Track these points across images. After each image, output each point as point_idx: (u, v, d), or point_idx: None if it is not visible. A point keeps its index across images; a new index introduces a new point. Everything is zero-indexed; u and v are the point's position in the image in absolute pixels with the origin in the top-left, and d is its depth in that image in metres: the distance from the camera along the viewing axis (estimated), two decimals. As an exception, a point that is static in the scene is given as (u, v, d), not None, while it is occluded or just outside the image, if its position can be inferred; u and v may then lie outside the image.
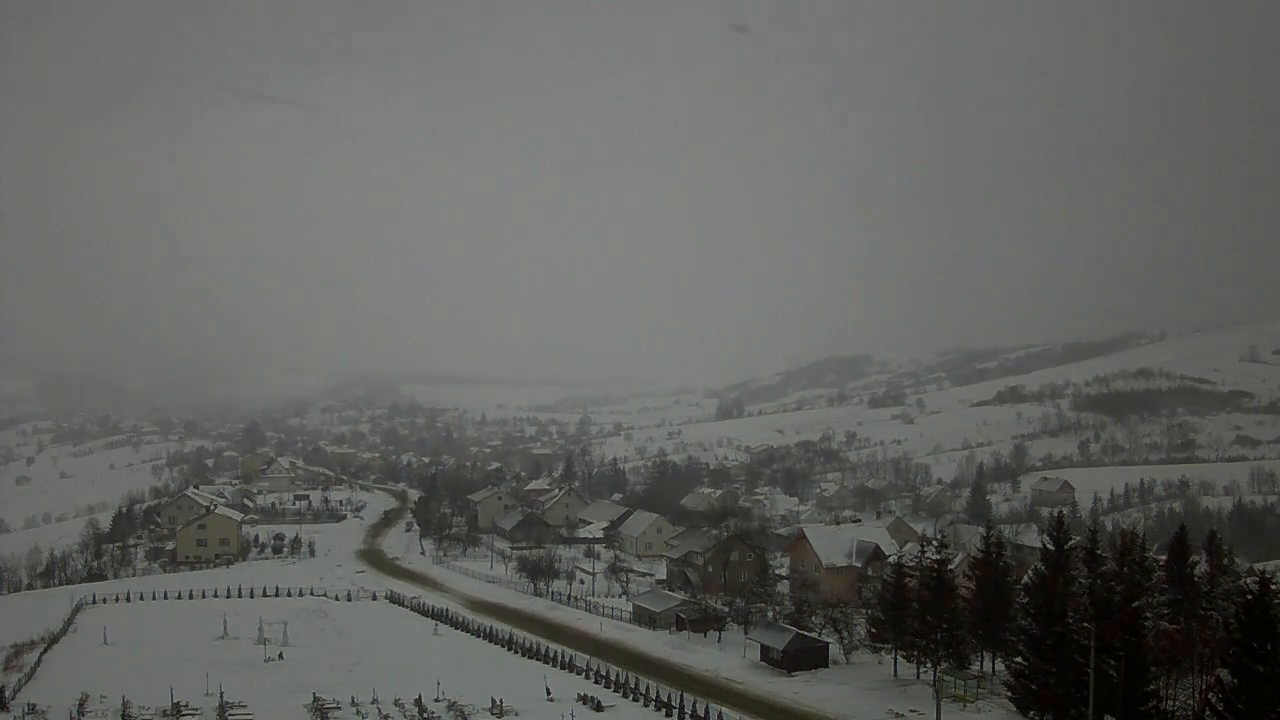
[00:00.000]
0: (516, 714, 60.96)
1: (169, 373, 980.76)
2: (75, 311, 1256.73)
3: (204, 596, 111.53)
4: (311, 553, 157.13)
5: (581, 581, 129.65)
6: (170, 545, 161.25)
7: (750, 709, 62.93)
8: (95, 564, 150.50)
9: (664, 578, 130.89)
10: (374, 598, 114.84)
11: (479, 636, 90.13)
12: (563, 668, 74.90)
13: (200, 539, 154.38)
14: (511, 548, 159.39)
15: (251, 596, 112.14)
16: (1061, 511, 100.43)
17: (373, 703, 62.46)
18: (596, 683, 69.61)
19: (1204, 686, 54.46)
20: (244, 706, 61.17)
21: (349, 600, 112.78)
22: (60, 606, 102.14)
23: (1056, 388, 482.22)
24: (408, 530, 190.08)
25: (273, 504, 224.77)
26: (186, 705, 60.66)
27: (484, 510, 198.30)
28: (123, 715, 58.50)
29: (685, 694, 63.14)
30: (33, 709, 58.53)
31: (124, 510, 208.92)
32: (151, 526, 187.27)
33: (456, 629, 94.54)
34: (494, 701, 62.12)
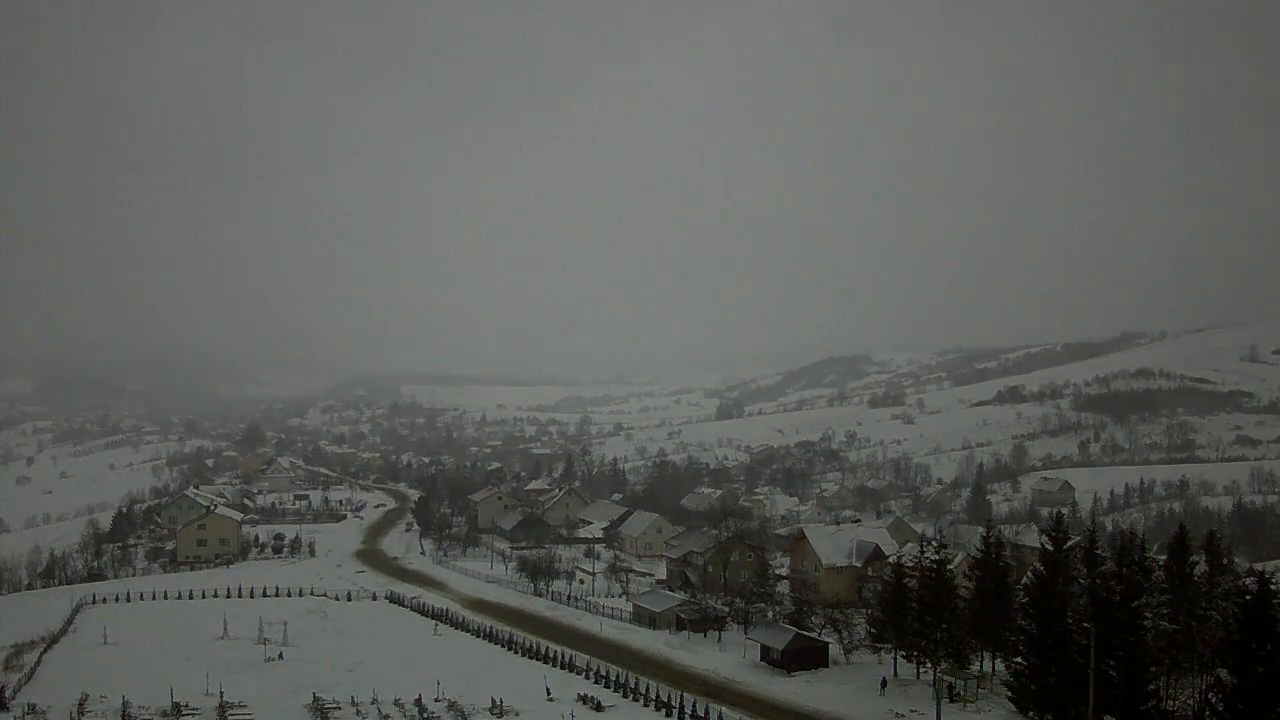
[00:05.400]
0: (516, 714, 60.93)
1: (169, 373, 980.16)
2: (75, 312, 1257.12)
3: (204, 596, 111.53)
4: (311, 553, 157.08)
5: (581, 581, 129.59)
6: (170, 545, 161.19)
7: (750, 709, 62.92)
8: (95, 564, 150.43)
9: (664, 578, 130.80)
10: (374, 598, 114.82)
11: (479, 636, 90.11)
12: (563, 668, 74.87)
13: (200, 539, 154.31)
14: (511, 548, 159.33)
15: (251, 596, 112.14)
16: (1061, 511, 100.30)
17: (373, 703, 62.45)
18: (596, 683, 69.58)
19: (1204, 686, 54.48)
20: (244, 706, 61.14)
21: (349, 600, 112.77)
22: (60, 606, 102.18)
23: (1056, 388, 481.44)
24: (408, 530, 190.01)
25: (273, 504, 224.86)
26: (186, 705, 60.62)
27: (484, 510, 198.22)
28: (123, 715, 58.45)
29: (685, 694, 63.14)
30: (33, 709, 58.49)
31: (124, 510, 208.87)
32: (151, 526, 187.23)
33: (456, 629, 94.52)
34: (494, 701, 62.10)
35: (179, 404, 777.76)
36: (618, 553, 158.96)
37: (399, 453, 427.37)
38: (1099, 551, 64.75)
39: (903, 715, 61.92)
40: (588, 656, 77.61)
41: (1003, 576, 71.32)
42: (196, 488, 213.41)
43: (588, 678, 71.27)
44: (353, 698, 63.13)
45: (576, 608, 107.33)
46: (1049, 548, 59.80)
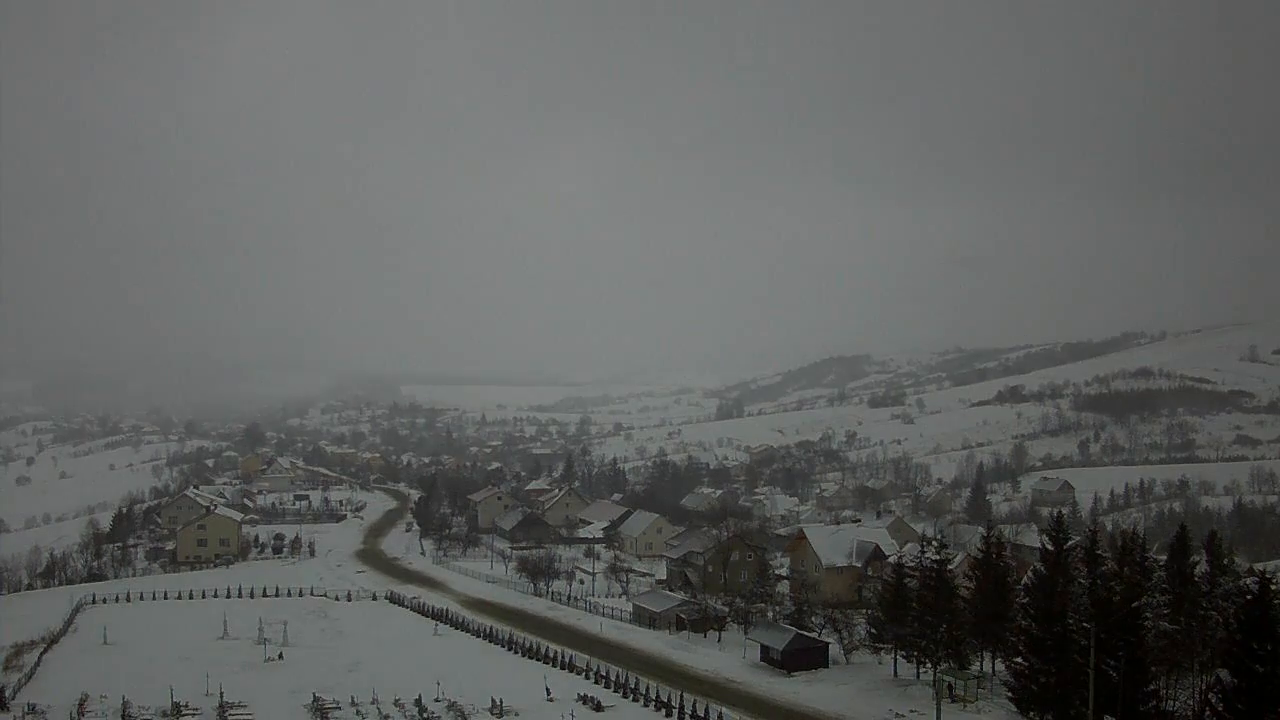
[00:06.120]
0: (516, 714, 60.93)
1: (169, 373, 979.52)
2: (75, 311, 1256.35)
3: (204, 596, 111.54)
4: (311, 553, 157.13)
5: (581, 581, 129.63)
6: (170, 545, 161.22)
7: (750, 709, 62.90)
8: (95, 564, 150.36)
9: (664, 578, 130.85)
10: (374, 598, 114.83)
11: (479, 636, 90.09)
12: (563, 668, 74.86)
13: (200, 539, 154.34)
14: (511, 548, 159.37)
15: (251, 596, 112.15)
16: (1061, 511, 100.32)
17: (373, 703, 62.45)
18: (596, 683, 69.56)
19: (1204, 686, 54.46)
20: (244, 706, 61.16)
21: (349, 600, 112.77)
22: (60, 606, 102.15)
23: (1056, 388, 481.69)
24: (408, 530, 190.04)
25: (273, 504, 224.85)
26: (186, 705, 60.65)
27: (484, 510, 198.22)
28: (123, 715, 58.47)
29: (685, 694, 63.10)
30: (33, 709, 58.51)
31: (124, 510, 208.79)
32: (151, 527, 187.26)
33: (456, 629, 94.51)
34: (494, 701, 62.10)
35: (179, 404, 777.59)
36: (618, 553, 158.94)
37: (399, 453, 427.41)
38: (1099, 551, 64.66)
39: (903, 715, 61.91)
40: (588, 656, 77.58)
41: (1003, 576, 71.30)
42: (196, 488, 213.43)
43: (588, 678, 71.25)
44: (353, 698, 63.13)
45: (576, 608, 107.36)
46: (1049, 548, 59.72)
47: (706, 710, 58.84)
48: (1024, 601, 63.74)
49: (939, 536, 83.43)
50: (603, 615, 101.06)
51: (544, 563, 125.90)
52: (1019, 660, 59.73)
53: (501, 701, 61.96)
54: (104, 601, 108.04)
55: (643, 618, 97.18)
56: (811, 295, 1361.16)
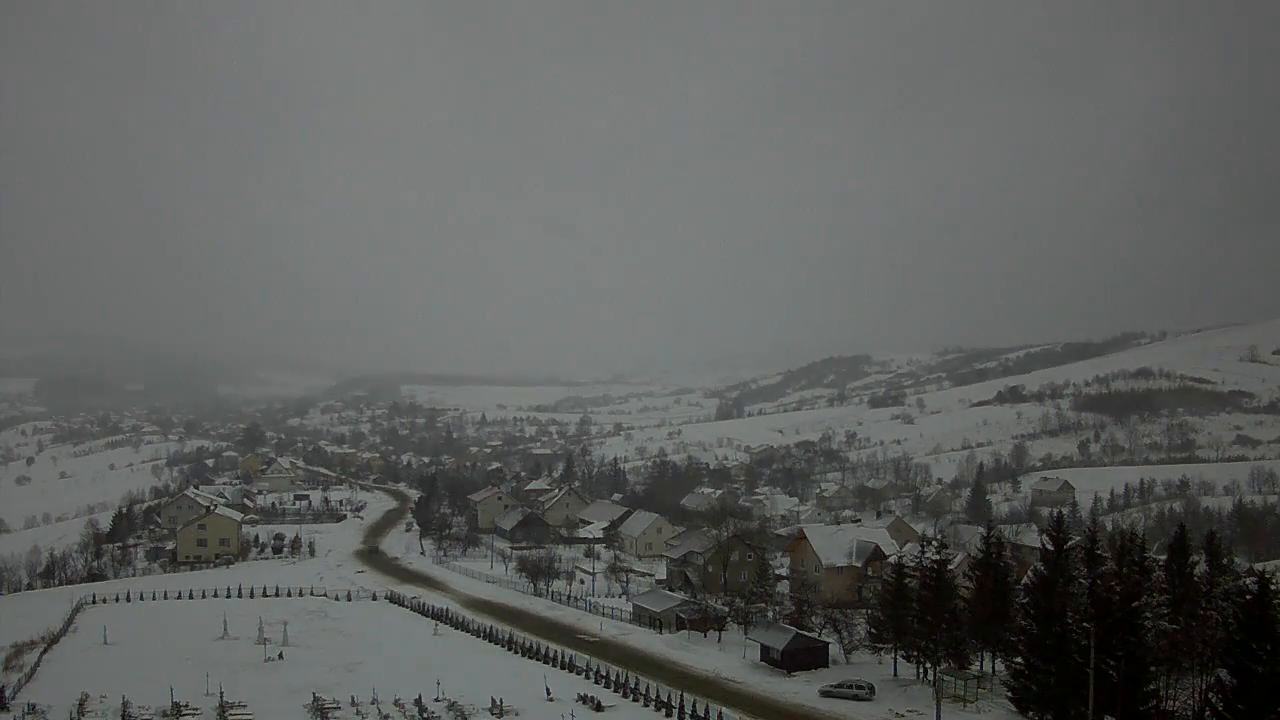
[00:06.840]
0: (516, 714, 60.93)
1: (169, 373, 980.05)
2: (75, 312, 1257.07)
3: (204, 596, 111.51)
4: (311, 553, 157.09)
5: (581, 582, 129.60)
6: (170, 545, 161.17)
7: (750, 709, 62.91)
8: (95, 564, 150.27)
9: (664, 578, 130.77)
10: (374, 598, 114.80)
11: (479, 636, 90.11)
12: (563, 668, 74.88)
13: (200, 539, 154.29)
14: (511, 548, 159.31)
15: (251, 596, 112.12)
16: (1061, 511, 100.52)
17: (373, 703, 62.45)
18: (596, 683, 69.59)
19: (1204, 686, 54.47)
20: (244, 706, 61.16)
21: (349, 600, 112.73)
22: (60, 606, 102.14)
23: (1056, 388, 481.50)
24: (408, 530, 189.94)
25: (273, 504, 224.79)
26: (186, 705, 60.64)
27: (484, 510, 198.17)
28: (123, 715, 58.47)
29: (685, 694, 63.14)
30: (33, 709, 58.50)
31: (124, 510, 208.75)
32: (151, 527, 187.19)
33: (456, 629, 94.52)
34: (494, 701, 62.09)
35: (179, 404, 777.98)
36: (618, 553, 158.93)
37: (399, 453, 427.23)
38: (1099, 551, 64.67)
39: (902, 715, 61.93)
40: (588, 656, 77.61)
41: (1003, 576, 71.37)
42: (196, 488, 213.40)
43: (588, 678, 71.28)
44: (353, 698, 63.13)
45: (577, 608, 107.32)
46: (1049, 548, 59.79)
47: (707, 710, 58.85)
48: (1024, 601, 63.78)
49: (939, 536, 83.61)
50: (603, 615, 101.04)
51: (544, 563, 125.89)
52: (1019, 660, 59.78)
53: (501, 701, 61.97)
54: (104, 601, 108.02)
55: (643, 618, 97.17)
56: (811, 295, 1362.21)
